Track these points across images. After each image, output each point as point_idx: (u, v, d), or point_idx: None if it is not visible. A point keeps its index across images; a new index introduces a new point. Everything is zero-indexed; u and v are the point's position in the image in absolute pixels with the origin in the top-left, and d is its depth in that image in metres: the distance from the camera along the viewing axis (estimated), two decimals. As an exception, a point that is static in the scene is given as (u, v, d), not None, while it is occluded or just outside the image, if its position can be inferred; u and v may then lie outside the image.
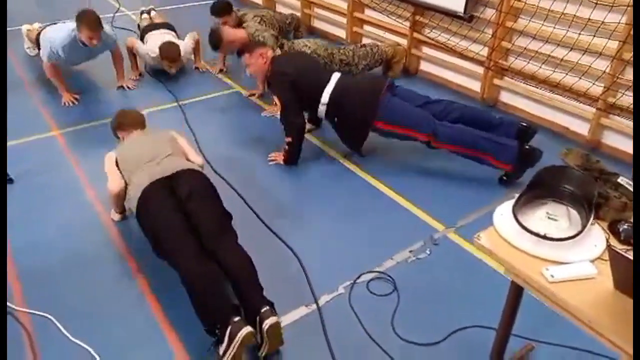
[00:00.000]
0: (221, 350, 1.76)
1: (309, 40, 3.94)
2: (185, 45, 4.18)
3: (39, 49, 3.89)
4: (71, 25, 3.49)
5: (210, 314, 1.84)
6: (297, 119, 2.95)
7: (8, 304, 2.06)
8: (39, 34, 3.90)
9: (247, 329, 1.76)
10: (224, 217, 2.20)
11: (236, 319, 1.78)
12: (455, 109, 2.96)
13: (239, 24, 4.27)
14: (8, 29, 5.01)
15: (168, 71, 4.10)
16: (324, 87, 2.95)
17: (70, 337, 1.93)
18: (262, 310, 1.84)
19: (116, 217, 2.57)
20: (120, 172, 2.39)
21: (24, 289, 2.16)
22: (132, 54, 4.13)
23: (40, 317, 2.02)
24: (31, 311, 2.04)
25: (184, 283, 1.91)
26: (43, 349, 1.90)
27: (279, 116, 3.06)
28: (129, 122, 2.65)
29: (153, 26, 4.40)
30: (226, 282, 1.95)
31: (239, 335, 1.73)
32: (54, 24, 3.99)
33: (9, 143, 3.21)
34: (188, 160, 2.47)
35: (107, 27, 3.71)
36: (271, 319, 1.82)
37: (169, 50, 3.99)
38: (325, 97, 2.94)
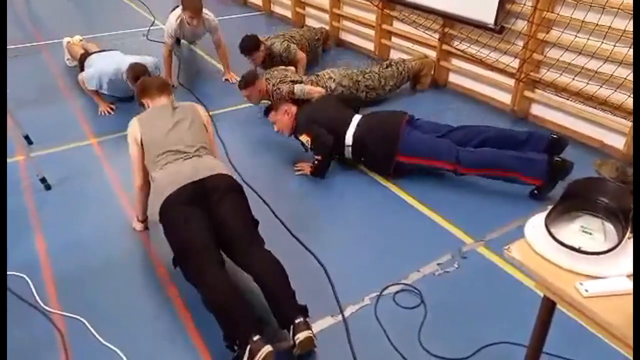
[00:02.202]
0: None
1: (333, 71, 3.90)
2: (208, 12, 4.26)
3: (80, 65, 4.09)
4: (118, 61, 3.76)
5: (230, 331, 1.84)
6: (326, 139, 3.00)
7: (43, 305, 2.13)
8: (83, 56, 4.14)
9: (267, 348, 1.75)
10: (253, 223, 2.21)
11: (256, 337, 1.77)
12: (480, 132, 2.95)
13: (269, 54, 4.39)
14: (50, 41, 5.25)
15: (189, 23, 4.10)
16: (346, 129, 3.05)
17: (101, 340, 1.98)
18: (296, 322, 1.85)
19: (138, 226, 2.58)
20: (143, 150, 2.31)
21: (58, 292, 2.22)
22: (167, 63, 4.26)
23: (73, 319, 2.07)
24: (64, 313, 2.10)
25: (203, 300, 1.91)
26: (75, 351, 1.95)
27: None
28: (154, 88, 2.50)
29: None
30: (247, 293, 1.97)
31: (258, 355, 1.73)
32: (101, 51, 4.25)
33: (49, 150, 3.34)
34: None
35: (154, 62, 3.96)
36: (304, 333, 1.82)
37: (190, 1, 4.04)
38: (348, 139, 3.04)
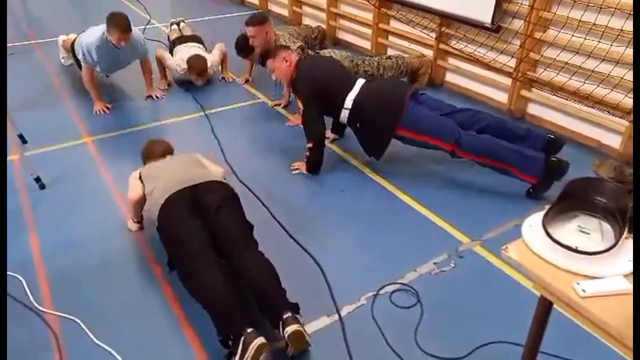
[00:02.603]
0: None
1: (334, 51, 3.97)
2: (212, 57, 4.26)
3: (74, 59, 4.04)
4: (102, 27, 3.61)
5: (223, 326, 1.84)
6: (317, 123, 2.96)
7: (37, 305, 2.11)
8: (72, 42, 4.05)
9: (260, 339, 1.75)
10: (248, 227, 2.21)
11: (249, 330, 1.78)
12: (481, 118, 2.92)
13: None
14: (45, 39, 5.21)
15: (195, 83, 4.19)
16: (348, 92, 2.94)
17: (96, 340, 1.96)
18: (284, 317, 1.84)
19: (133, 227, 2.58)
20: (143, 184, 2.41)
21: (52, 292, 2.21)
22: (161, 64, 4.23)
23: (68, 319, 2.06)
24: (59, 314, 2.08)
25: (196, 296, 1.92)
26: (69, 352, 1.93)
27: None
28: (159, 152, 2.63)
29: (182, 39, 4.50)
30: (242, 295, 1.96)
31: (252, 345, 1.73)
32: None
33: (43, 149, 3.32)
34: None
35: (139, 35, 3.83)
36: (292, 326, 1.81)
37: (196, 64, 4.08)
38: (348, 102, 2.93)
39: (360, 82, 3.01)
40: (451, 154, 2.84)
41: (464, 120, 2.88)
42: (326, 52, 3.91)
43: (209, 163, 2.59)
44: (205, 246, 2.04)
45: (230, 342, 1.81)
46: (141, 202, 2.44)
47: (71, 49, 4.10)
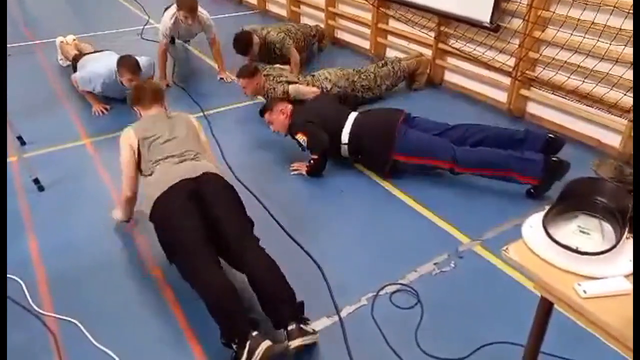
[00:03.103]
0: None
1: (329, 72, 3.87)
2: (203, 11, 4.23)
3: (73, 66, 4.06)
4: (111, 63, 3.67)
5: (228, 328, 1.83)
6: (322, 138, 2.99)
7: (36, 308, 2.10)
8: (75, 58, 4.09)
9: (266, 343, 1.74)
10: (249, 223, 2.19)
11: (254, 333, 1.77)
12: (477, 131, 2.94)
13: (263, 43, 4.37)
14: (43, 40, 5.20)
15: (184, 27, 4.14)
16: (342, 127, 3.02)
17: (95, 343, 1.95)
18: (289, 329, 1.83)
19: (118, 215, 2.56)
20: (139, 159, 2.31)
21: (51, 293, 2.20)
22: (162, 62, 4.23)
23: (67, 322, 2.05)
24: (58, 316, 2.08)
25: (201, 296, 1.90)
26: (68, 354, 1.92)
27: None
28: (148, 96, 2.49)
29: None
30: (243, 295, 1.94)
31: (257, 350, 1.72)
32: (95, 51, 4.23)
33: (42, 151, 3.31)
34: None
35: (149, 63, 3.89)
36: (297, 340, 1.81)
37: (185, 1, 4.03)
38: (344, 137, 3.02)
39: (352, 115, 3.08)
40: (451, 172, 2.87)
41: (459, 136, 2.91)
42: (322, 75, 3.84)
43: (204, 138, 2.52)
44: (204, 240, 2.00)
45: (234, 345, 1.79)
46: (134, 200, 2.41)
47: (72, 62, 4.15)
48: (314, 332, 1.89)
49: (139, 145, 2.32)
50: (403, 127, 2.94)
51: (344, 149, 3.07)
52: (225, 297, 1.86)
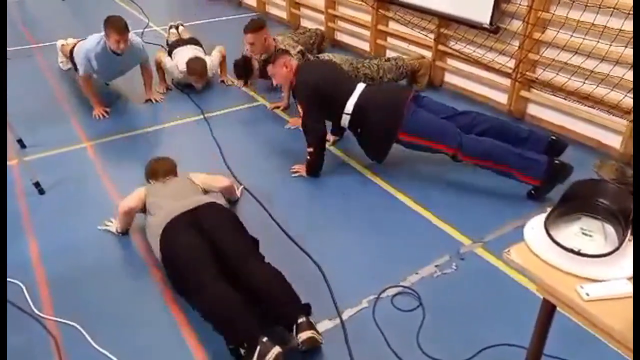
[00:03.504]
0: None
1: (333, 55, 3.96)
2: (211, 60, 4.26)
3: (72, 64, 4.03)
4: (100, 33, 3.61)
5: (234, 336, 1.81)
6: (317, 127, 2.94)
7: (37, 311, 2.10)
8: (72, 49, 4.03)
9: (277, 349, 1.73)
10: (252, 242, 2.20)
11: (264, 339, 1.75)
12: (483, 121, 2.91)
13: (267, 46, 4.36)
14: (44, 44, 5.21)
15: (195, 85, 4.18)
16: (349, 96, 2.93)
17: (96, 346, 1.95)
18: (299, 322, 1.84)
19: (113, 228, 2.58)
20: (144, 201, 2.43)
21: (52, 296, 2.20)
22: (160, 67, 4.22)
23: (67, 325, 2.05)
24: (58, 319, 2.07)
25: (204, 309, 1.90)
26: (69, 357, 1.92)
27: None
28: (162, 170, 2.64)
29: (180, 42, 4.49)
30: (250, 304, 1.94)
31: (268, 356, 1.71)
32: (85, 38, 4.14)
33: (43, 154, 3.31)
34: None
35: (138, 40, 3.82)
36: (306, 332, 1.81)
37: (196, 66, 4.07)
38: (349, 106, 2.91)
39: (360, 86, 2.99)
40: (453, 158, 2.83)
41: (465, 123, 2.87)
42: (326, 56, 3.90)
43: (204, 177, 2.61)
44: (209, 260, 2.02)
45: (242, 350, 1.77)
46: (132, 213, 2.47)
47: (70, 56, 4.09)
48: (319, 334, 1.89)
49: (145, 199, 2.44)
50: (412, 105, 2.86)
51: (345, 119, 2.96)
52: (231, 305, 1.85)
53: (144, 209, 2.45)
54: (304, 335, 1.81)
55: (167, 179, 2.57)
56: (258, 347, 1.73)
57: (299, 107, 3.03)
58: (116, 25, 3.46)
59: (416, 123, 2.82)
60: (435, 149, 2.85)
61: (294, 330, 1.85)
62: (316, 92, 2.94)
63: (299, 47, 3.83)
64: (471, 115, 2.95)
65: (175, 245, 2.11)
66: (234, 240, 2.12)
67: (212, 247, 2.08)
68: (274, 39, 4.12)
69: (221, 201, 2.45)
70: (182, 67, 4.11)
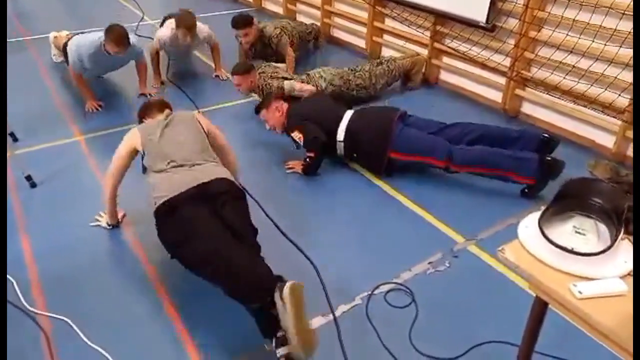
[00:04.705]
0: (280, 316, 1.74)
1: (324, 70, 3.87)
2: (202, 25, 4.19)
3: (65, 57, 3.98)
4: (99, 34, 3.58)
5: (256, 288, 1.80)
6: (318, 135, 2.98)
7: (28, 307, 2.08)
8: (66, 43, 3.99)
9: (291, 281, 1.75)
10: (252, 230, 2.18)
11: (279, 284, 1.77)
12: (471, 130, 2.94)
13: (260, 36, 4.34)
14: (36, 36, 5.15)
15: (181, 42, 4.04)
16: (338, 124, 3.02)
17: (88, 342, 1.94)
18: (277, 285, 1.78)
19: (102, 220, 2.54)
20: (138, 146, 2.31)
21: (44, 292, 2.18)
22: (155, 59, 4.19)
23: (59, 320, 2.03)
24: (50, 314, 2.06)
25: (221, 275, 1.86)
26: (60, 353, 1.91)
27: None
28: (155, 107, 2.56)
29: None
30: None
31: (286, 287, 1.72)
32: (82, 32, 4.09)
33: (35, 147, 3.28)
34: (222, 155, 2.45)
35: (133, 38, 3.79)
36: (287, 284, 1.76)
37: (185, 18, 3.97)
38: (340, 133, 3.02)
39: (348, 113, 3.08)
40: (446, 170, 2.87)
41: (455, 134, 2.92)
42: (317, 73, 3.83)
43: (210, 126, 2.51)
44: (221, 230, 1.99)
45: (268, 300, 1.76)
46: (120, 178, 2.37)
47: (63, 48, 4.05)
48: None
49: (143, 149, 2.29)
50: (399, 125, 2.94)
51: (340, 147, 3.06)
52: (250, 261, 1.88)
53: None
54: (286, 289, 1.74)
55: (169, 119, 2.40)
56: (276, 293, 1.74)
57: (294, 137, 3.03)
58: (118, 39, 3.45)
59: (404, 141, 2.89)
60: (426, 163, 2.90)
61: (279, 296, 1.76)
62: (308, 120, 3.03)
63: (282, 74, 3.80)
64: (459, 126, 2.99)
65: (181, 211, 2.03)
66: (234, 220, 2.06)
67: (222, 222, 2.04)
68: (264, 30, 4.23)
69: (230, 177, 2.29)
70: (172, 24, 4.04)
